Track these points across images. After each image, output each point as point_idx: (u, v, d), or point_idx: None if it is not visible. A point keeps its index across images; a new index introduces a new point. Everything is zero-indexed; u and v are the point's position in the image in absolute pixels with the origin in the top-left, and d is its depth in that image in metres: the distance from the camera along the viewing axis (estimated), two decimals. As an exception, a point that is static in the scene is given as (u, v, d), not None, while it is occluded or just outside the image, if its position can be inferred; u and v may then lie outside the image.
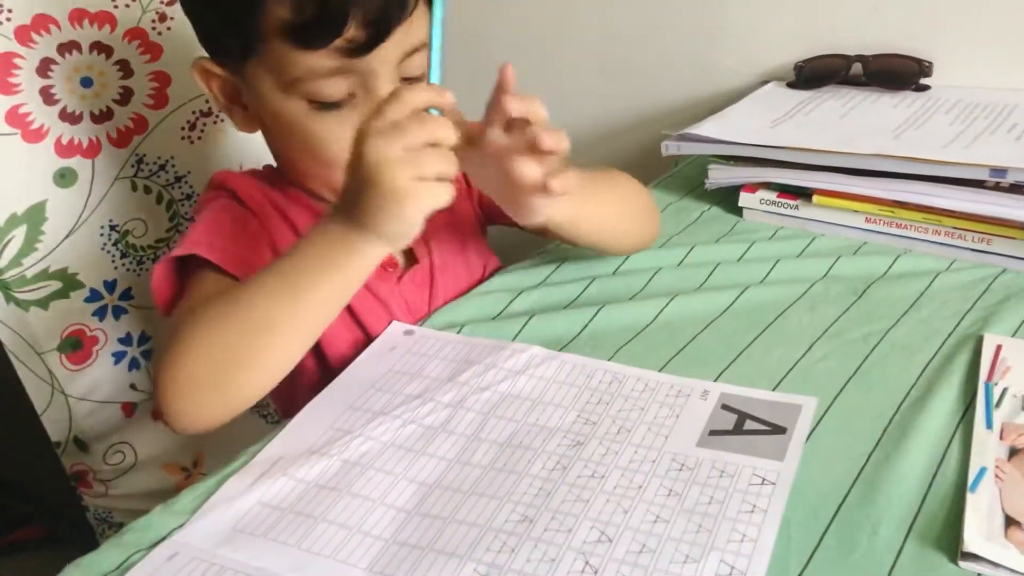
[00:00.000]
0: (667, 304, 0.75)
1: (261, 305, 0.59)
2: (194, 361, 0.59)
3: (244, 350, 0.60)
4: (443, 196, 0.56)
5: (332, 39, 0.63)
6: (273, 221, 0.76)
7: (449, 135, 0.56)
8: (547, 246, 0.87)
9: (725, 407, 0.61)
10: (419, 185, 0.55)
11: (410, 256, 0.80)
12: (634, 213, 0.82)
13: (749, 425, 0.59)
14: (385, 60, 0.66)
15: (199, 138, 1.01)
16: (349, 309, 0.73)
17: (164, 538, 0.53)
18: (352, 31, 0.63)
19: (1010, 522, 0.50)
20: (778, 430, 0.58)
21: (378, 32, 0.64)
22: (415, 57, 0.68)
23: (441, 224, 0.80)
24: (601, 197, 0.76)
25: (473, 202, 0.85)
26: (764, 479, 0.54)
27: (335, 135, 0.67)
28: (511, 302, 0.77)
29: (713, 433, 0.58)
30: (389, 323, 0.75)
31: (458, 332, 0.73)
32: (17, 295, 0.89)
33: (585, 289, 0.78)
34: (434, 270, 0.80)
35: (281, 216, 0.76)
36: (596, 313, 0.74)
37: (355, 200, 0.57)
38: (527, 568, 0.49)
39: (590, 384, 0.64)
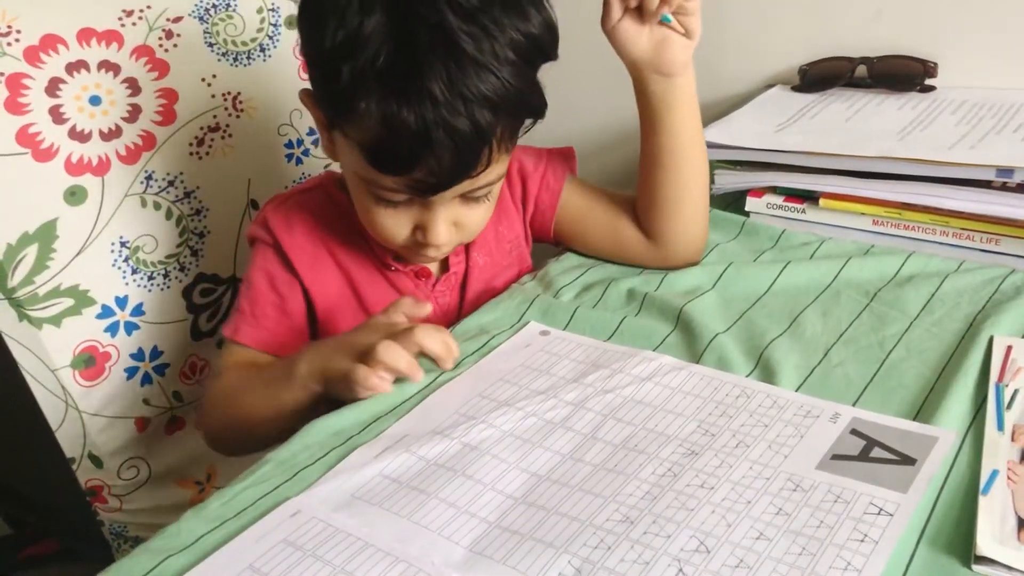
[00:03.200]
0: (679, 311, 0.76)
1: (245, 406, 0.75)
2: (212, 425, 0.82)
3: (238, 430, 0.77)
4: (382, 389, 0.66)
5: (400, 175, 0.68)
6: (318, 259, 0.82)
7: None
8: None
9: (854, 432, 0.59)
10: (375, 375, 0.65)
11: (443, 264, 0.85)
12: (701, 202, 0.83)
13: (876, 453, 0.57)
14: (445, 194, 0.70)
15: (207, 153, 1.01)
16: None
17: (193, 543, 0.54)
18: (420, 174, 0.67)
19: (1023, 524, 0.50)
20: (907, 461, 0.56)
21: (442, 184, 0.68)
22: (480, 189, 0.72)
23: (483, 234, 0.84)
24: (692, 121, 0.81)
25: (523, 219, 0.89)
26: (881, 509, 0.52)
27: (386, 223, 0.74)
28: (528, 308, 0.79)
29: (836, 457, 0.57)
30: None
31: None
32: (30, 313, 0.89)
33: (603, 295, 0.80)
34: (468, 275, 0.85)
35: (328, 252, 0.82)
36: (620, 323, 0.75)
37: (335, 345, 0.69)
38: (620, 568, 0.49)
39: (716, 396, 0.64)
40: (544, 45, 0.69)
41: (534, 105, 0.71)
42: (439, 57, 0.62)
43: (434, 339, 0.67)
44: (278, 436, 0.66)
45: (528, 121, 0.73)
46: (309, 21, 0.69)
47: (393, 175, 0.68)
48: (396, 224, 0.74)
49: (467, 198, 0.73)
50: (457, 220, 0.74)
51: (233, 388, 0.77)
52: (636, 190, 0.84)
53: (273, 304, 0.81)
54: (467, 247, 0.85)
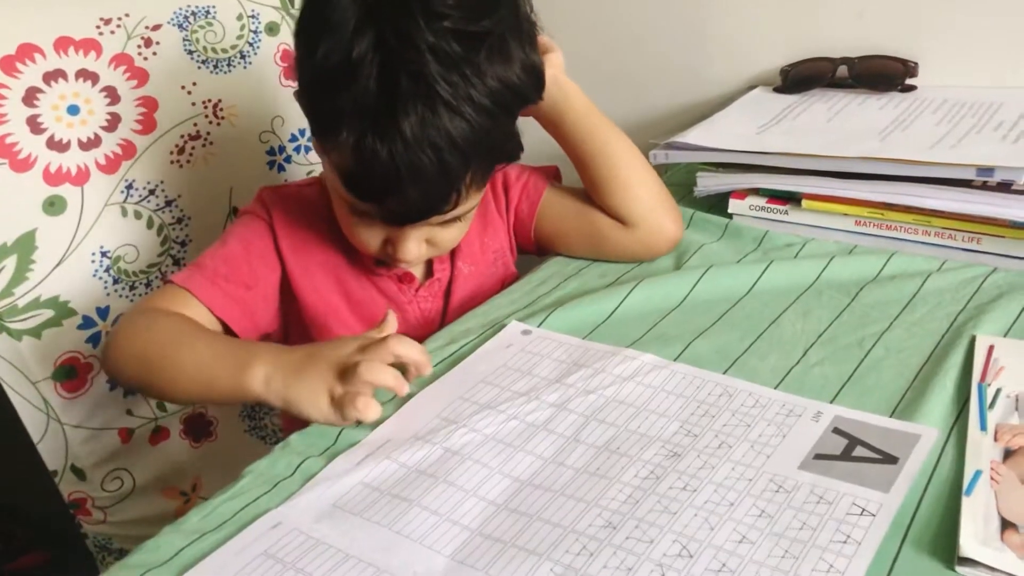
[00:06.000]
0: (663, 318, 0.76)
1: (175, 365, 0.71)
2: (121, 357, 0.75)
3: (154, 379, 0.73)
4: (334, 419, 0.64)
5: (371, 203, 0.70)
6: (307, 249, 0.83)
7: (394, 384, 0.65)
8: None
9: (836, 431, 0.59)
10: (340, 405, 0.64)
11: (428, 270, 0.85)
12: (644, 170, 0.84)
13: (859, 452, 0.56)
14: (416, 225, 0.72)
15: (188, 162, 1.01)
16: (372, 312, 0.83)
17: (172, 558, 0.53)
18: (391, 205, 0.69)
19: (1006, 525, 0.50)
20: (889, 459, 0.55)
21: (411, 217, 0.71)
22: (452, 219, 0.74)
23: (468, 244, 0.86)
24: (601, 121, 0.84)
25: (508, 229, 0.90)
26: (864, 510, 0.52)
27: (359, 233, 0.76)
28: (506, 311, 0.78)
29: (819, 457, 0.56)
30: (403, 327, 0.81)
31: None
32: (9, 325, 0.89)
33: (581, 298, 0.79)
34: (452, 283, 0.86)
35: (317, 245, 0.83)
36: (595, 329, 0.75)
37: (305, 359, 0.66)
38: (602, 574, 0.49)
39: (698, 396, 0.64)
40: (524, 91, 0.71)
41: (507, 151, 0.73)
42: (416, 101, 0.64)
43: (409, 346, 0.66)
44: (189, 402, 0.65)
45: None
46: (302, 41, 0.70)
47: (367, 201, 0.70)
48: (369, 236, 0.75)
49: (440, 222, 0.74)
50: (430, 238, 0.76)
51: (170, 338, 0.73)
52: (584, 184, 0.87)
53: (240, 275, 0.79)
54: (452, 256, 0.85)
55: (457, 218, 0.75)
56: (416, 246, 0.74)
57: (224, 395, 0.70)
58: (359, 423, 0.64)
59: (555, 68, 0.82)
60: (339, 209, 0.76)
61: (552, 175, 0.92)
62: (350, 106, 0.65)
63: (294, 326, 0.84)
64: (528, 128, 0.85)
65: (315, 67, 0.67)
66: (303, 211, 0.83)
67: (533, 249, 0.91)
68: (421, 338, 0.77)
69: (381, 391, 0.66)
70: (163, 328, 0.74)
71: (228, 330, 0.78)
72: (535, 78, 0.72)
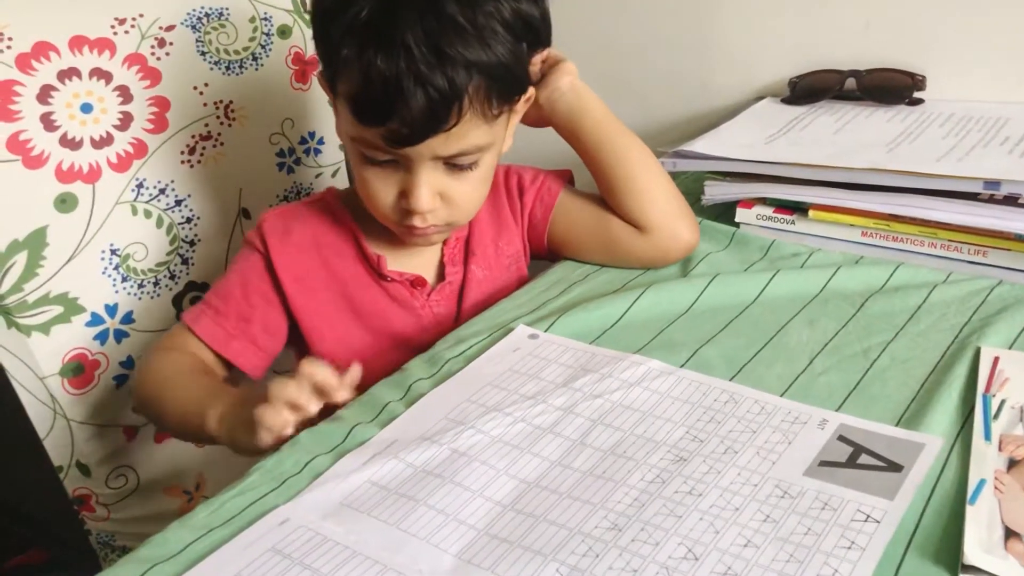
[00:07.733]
0: (669, 324, 0.76)
1: (170, 401, 0.78)
2: (139, 394, 0.82)
3: (157, 413, 0.80)
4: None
5: (377, 125, 0.70)
6: (309, 269, 0.84)
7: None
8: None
9: (842, 438, 0.59)
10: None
11: (439, 274, 0.87)
12: (660, 176, 0.85)
13: (864, 459, 0.57)
14: (422, 153, 0.72)
15: (199, 162, 1.01)
16: (384, 322, 0.84)
17: (180, 552, 0.54)
18: (395, 125, 0.69)
19: (1010, 534, 0.50)
20: (894, 467, 0.56)
21: (415, 134, 0.70)
22: (458, 155, 0.74)
23: (483, 248, 0.87)
24: (603, 109, 0.86)
25: (522, 233, 0.91)
26: (869, 516, 0.52)
27: (375, 186, 0.76)
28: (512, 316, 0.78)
29: (824, 464, 0.57)
30: (418, 331, 0.84)
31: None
32: (18, 320, 0.89)
33: (588, 304, 0.79)
34: (465, 287, 0.87)
35: (321, 261, 0.84)
36: (602, 335, 0.75)
37: (247, 399, 0.69)
38: (608, 575, 0.49)
39: (704, 402, 0.64)
40: (534, 25, 0.73)
41: (514, 74, 0.73)
42: (417, 12, 0.67)
43: (319, 369, 0.65)
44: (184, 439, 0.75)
45: (519, 100, 0.77)
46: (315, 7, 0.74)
47: (371, 125, 0.71)
48: (383, 186, 0.76)
49: (449, 165, 0.74)
50: (443, 191, 0.76)
51: (173, 376, 0.78)
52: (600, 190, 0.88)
53: (238, 310, 0.82)
54: (466, 259, 0.86)
55: (467, 165, 0.75)
56: (428, 194, 0.74)
57: (196, 435, 0.74)
58: (281, 440, 0.64)
59: (571, 75, 0.83)
60: (355, 164, 0.77)
61: (566, 179, 0.92)
62: (354, 24, 0.68)
63: (310, 341, 0.85)
64: (541, 135, 0.86)
65: (325, 2, 0.71)
66: (304, 230, 0.84)
67: (545, 253, 0.92)
68: (433, 342, 0.78)
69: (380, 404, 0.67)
70: (160, 369, 0.80)
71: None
72: (545, 22, 0.75)
